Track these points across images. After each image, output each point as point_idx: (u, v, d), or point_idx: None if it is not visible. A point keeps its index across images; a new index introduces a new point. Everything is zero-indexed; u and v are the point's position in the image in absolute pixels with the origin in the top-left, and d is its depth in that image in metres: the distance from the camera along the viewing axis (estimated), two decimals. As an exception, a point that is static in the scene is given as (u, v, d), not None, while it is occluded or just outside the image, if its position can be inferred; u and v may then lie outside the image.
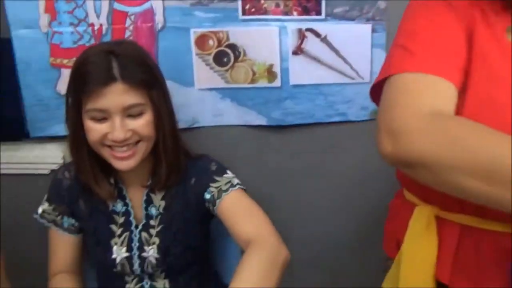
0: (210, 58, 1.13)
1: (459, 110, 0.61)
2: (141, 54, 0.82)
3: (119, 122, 0.77)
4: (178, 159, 0.88)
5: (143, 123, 0.79)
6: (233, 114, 1.18)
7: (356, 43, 1.12)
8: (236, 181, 0.89)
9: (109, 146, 0.80)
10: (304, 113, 1.17)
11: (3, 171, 1.20)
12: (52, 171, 1.20)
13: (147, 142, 0.82)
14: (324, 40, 1.13)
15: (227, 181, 0.88)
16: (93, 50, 0.81)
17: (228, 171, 0.91)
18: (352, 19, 1.11)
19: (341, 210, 1.25)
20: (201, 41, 1.12)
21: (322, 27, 1.11)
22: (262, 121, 1.18)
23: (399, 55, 0.64)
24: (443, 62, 0.60)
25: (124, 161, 0.80)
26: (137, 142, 0.81)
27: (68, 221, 0.92)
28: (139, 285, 0.93)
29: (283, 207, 1.23)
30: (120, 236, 0.90)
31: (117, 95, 0.75)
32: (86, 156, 0.83)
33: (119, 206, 0.91)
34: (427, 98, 0.57)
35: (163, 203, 0.91)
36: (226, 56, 1.13)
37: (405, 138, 0.54)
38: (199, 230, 0.95)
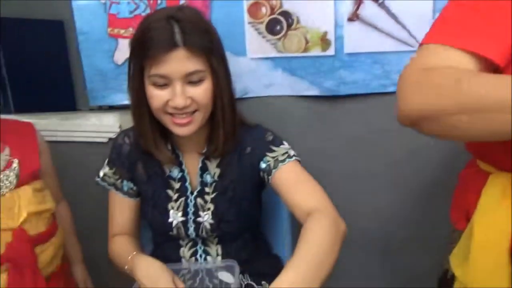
0: (263, 26, 1.11)
1: None
2: (202, 20, 0.81)
3: (180, 89, 0.77)
4: (235, 128, 0.88)
5: (202, 91, 0.79)
6: (284, 84, 1.16)
7: (416, 8, 1.06)
8: (292, 152, 0.88)
9: (170, 114, 0.81)
10: (359, 83, 1.13)
11: (63, 139, 1.26)
12: (110, 139, 1.25)
13: (204, 111, 0.82)
14: (382, 5, 1.07)
15: (284, 152, 0.87)
16: (155, 16, 0.80)
17: (285, 142, 0.90)
18: (413, -18, 1.05)
19: (396, 184, 1.21)
20: (254, 9, 1.10)
21: (380, -8, 1.06)
22: (314, 91, 1.15)
23: (435, 25, 0.64)
24: (476, 36, 0.59)
25: (183, 127, 0.81)
26: (194, 111, 0.81)
27: (127, 185, 0.95)
28: (193, 249, 0.96)
29: (335, 180, 1.21)
30: (176, 201, 0.91)
31: (179, 61, 0.75)
32: (147, 122, 0.85)
33: (176, 172, 0.92)
34: (431, 60, 0.60)
35: (218, 171, 0.92)
36: (278, 24, 1.11)
37: (403, 100, 0.60)
38: (252, 198, 0.95)
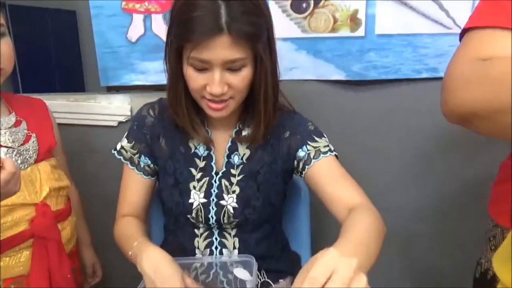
0: (288, 4, 1.04)
1: None
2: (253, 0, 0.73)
3: (219, 76, 0.72)
4: (275, 116, 0.83)
5: (241, 78, 0.74)
6: (308, 67, 1.08)
7: (455, -13, 0.99)
8: (332, 147, 0.84)
9: (206, 98, 0.77)
10: (389, 67, 1.05)
11: (69, 121, 1.19)
12: (120, 123, 1.18)
13: (239, 97, 0.78)
14: (418, -18, 0.99)
15: (325, 144, 0.83)
16: None
17: (325, 135, 0.86)
18: (452, -43, 0.97)
19: (426, 176, 1.13)
20: (279, -16, 1.03)
21: (416, -33, 0.98)
22: (340, 75, 1.07)
23: (482, 5, 0.60)
24: None
25: (218, 111, 0.77)
26: (229, 98, 0.77)
27: (144, 161, 0.88)
28: (208, 240, 0.87)
29: (363, 170, 1.12)
30: (199, 180, 0.84)
31: (222, 49, 0.70)
32: (183, 100, 0.80)
33: (202, 150, 0.86)
34: (486, 49, 0.55)
35: (248, 152, 0.85)
36: (305, 1, 1.03)
37: (452, 94, 0.56)
38: (280, 186, 0.88)
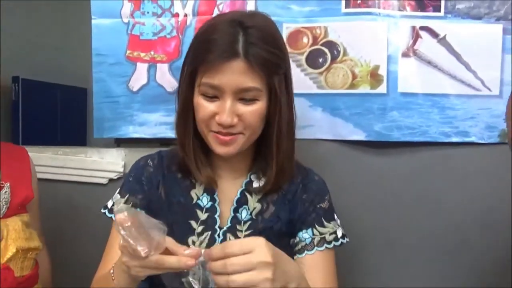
0: (303, 58, 0.98)
1: None
2: (272, 31, 0.72)
3: (230, 105, 0.68)
4: (291, 160, 0.77)
5: (253, 111, 0.70)
6: (324, 126, 0.99)
7: (482, 47, 0.94)
8: (340, 232, 0.79)
9: (214, 131, 0.72)
10: (415, 128, 0.95)
11: (59, 177, 1.07)
12: (111, 180, 1.05)
13: (249, 134, 0.72)
14: (443, 41, 0.94)
15: (332, 231, 0.78)
16: (222, 17, 0.73)
17: (336, 216, 0.81)
18: (478, 17, 0.94)
19: (457, 251, 0.97)
20: (294, 37, 0.97)
21: (440, 26, 0.94)
22: (360, 135, 0.97)
23: None
24: None
25: (224, 146, 0.71)
26: (239, 133, 0.71)
27: None
28: None
29: (383, 241, 0.98)
30: (200, 234, 0.75)
31: (236, 74, 0.67)
32: (191, 135, 0.75)
33: (205, 201, 0.78)
34: None
35: (258, 207, 0.77)
36: (322, 55, 0.97)
37: None
38: (288, 251, 0.74)
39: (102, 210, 0.79)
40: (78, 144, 1.11)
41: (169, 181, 0.78)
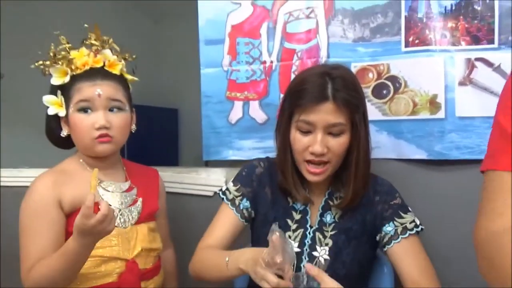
0: (369, 91, 1.15)
1: None
2: (353, 79, 0.92)
3: (321, 137, 0.87)
4: (366, 184, 0.93)
5: (340, 143, 0.88)
6: (390, 147, 1.14)
7: (538, 72, 1.01)
8: (418, 221, 0.93)
9: (307, 161, 0.90)
10: (474, 147, 1.06)
11: (176, 191, 1.37)
12: (215, 193, 1.32)
13: (335, 162, 0.90)
14: (498, 69, 1.04)
15: (411, 220, 0.93)
16: (312, 70, 0.94)
17: (410, 208, 0.96)
18: (531, 46, 1.02)
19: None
20: (361, 74, 1.16)
21: (494, 56, 1.04)
22: (422, 155, 1.11)
23: (496, 144, 0.63)
24: None
25: (315, 176, 0.90)
26: (327, 162, 0.89)
27: (245, 204, 0.99)
28: None
29: (447, 255, 1.08)
30: (295, 231, 0.94)
31: (326, 113, 0.86)
32: (289, 164, 0.93)
33: (299, 204, 0.97)
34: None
35: (340, 212, 0.95)
36: (385, 88, 1.14)
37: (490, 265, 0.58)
38: (368, 246, 0.95)
39: (217, 191, 1.02)
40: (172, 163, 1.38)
41: (275, 183, 0.97)
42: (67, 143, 1.02)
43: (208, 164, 1.46)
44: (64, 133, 0.99)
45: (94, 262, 0.93)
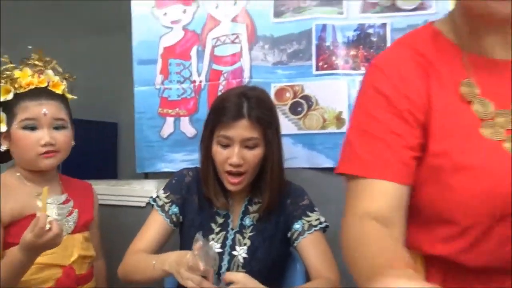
0: (286, 108, 1.31)
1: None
2: (267, 99, 1.05)
3: (238, 150, 0.97)
4: (281, 190, 1.05)
5: (254, 154, 0.99)
6: (304, 158, 1.29)
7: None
8: (323, 218, 1.05)
9: (227, 172, 1.00)
10: (372, 157, 1.24)
11: (111, 203, 1.42)
12: (147, 204, 1.39)
13: (251, 172, 1.01)
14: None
15: (316, 218, 1.05)
16: (231, 91, 1.06)
17: (316, 208, 1.08)
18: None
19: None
20: (280, 93, 1.31)
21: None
22: (330, 164, 1.27)
23: (349, 152, 0.71)
24: (386, 163, 0.63)
25: (234, 185, 1.01)
26: (243, 173, 1.00)
27: (174, 210, 1.06)
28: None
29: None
30: (217, 233, 1.05)
31: (242, 129, 0.97)
32: (211, 174, 1.04)
33: (222, 209, 1.07)
34: (362, 202, 0.64)
35: (257, 216, 1.07)
36: (300, 106, 1.30)
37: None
38: (282, 244, 1.07)
39: (148, 199, 1.09)
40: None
41: (201, 192, 1.07)
42: (4, 157, 1.07)
43: (148, 176, 1.52)
44: (3, 148, 1.04)
45: (34, 269, 0.97)
